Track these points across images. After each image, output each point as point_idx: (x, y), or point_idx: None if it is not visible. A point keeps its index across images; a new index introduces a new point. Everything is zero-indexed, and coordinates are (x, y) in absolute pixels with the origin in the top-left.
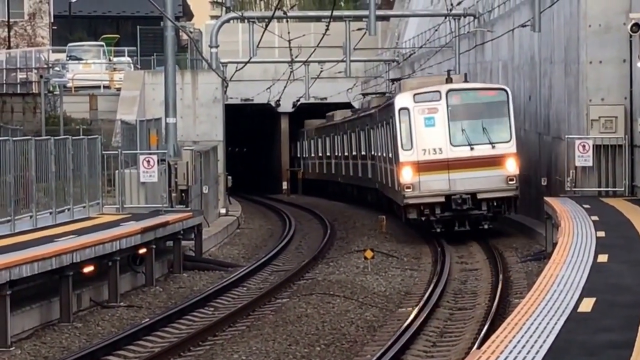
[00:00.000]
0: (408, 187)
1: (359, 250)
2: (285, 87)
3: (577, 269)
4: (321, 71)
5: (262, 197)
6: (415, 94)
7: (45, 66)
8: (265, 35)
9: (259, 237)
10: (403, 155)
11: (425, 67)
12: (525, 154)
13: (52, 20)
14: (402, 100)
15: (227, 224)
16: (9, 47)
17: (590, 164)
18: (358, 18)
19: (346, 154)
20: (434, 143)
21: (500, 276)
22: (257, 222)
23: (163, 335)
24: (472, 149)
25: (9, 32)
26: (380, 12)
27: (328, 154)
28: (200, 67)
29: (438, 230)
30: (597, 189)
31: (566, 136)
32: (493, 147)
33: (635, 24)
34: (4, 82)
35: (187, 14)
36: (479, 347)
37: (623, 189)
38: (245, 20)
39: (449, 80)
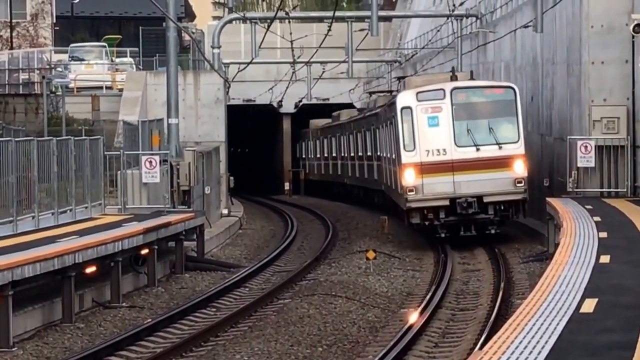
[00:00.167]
0: (411, 190)
1: (361, 251)
2: (287, 87)
3: (579, 269)
4: (323, 72)
5: (264, 197)
6: (418, 92)
7: (48, 67)
8: (267, 36)
9: (261, 237)
10: (405, 157)
11: (427, 68)
12: (527, 154)
13: (54, 21)
14: (404, 98)
15: (229, 224)
16: (12, 48)
17: (592, 164)
18: (360, 19)
19: (352, 154)
20: (437, 144)
21: (503, 277)
22: (259, 222)
23: (165, 335)
24: (478, 149)
25: (11, 32)
26: (382, 13)
27: (334, 154)
28: (202, 68)
29: (442, 235)
30: (599, 189)
31: (568, 137)
32: (500, 147)
33: (638, 25)
34: (7, 82)
35: (190, 15)
36: (480, 348)
37: (625, 190)
38: (248, 21)
39: (453, 77)
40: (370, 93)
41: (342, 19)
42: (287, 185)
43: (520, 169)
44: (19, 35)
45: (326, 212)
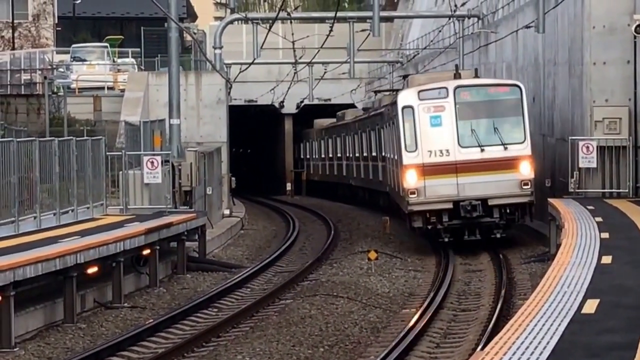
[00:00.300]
0: (412, 193)
1: (362, 252)
2: (289, 88)
3: (581, 270)
4: (325, 72)
5: (265, 198)
6: (420, 91)
7: (50, 67)
8: (269, 37)
9: (262, 238)
10: (407, 157)
11: (429, 69)
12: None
13: (56, 22)
14: (405, 97)
15: (230, 225)
16: (13, 48)
17: (594, 165)
18: (362, 19)
19: (357, 155)
20: (440, 144)
21: (504, 277)
22: (260, 223)
23: (167, 336)
24: (482, 150)
25: (13, 33)
26: (384, 13)
27: (339, 154)
28: (204, 68)
29: (446, 240)
30: (601, 190)
31: (570, 137)
32: (505, 148)
33: None
34: (9, 83)
35: (191, 15)
36: (482, 349)
37: (627, 190)
38: (249, 22)
39: (457, 75)
40: (375, 92)
41: (343, 20)
42: (288, 186)
43: (526, 170)
44: (21, 36)
45: (328, 212)
